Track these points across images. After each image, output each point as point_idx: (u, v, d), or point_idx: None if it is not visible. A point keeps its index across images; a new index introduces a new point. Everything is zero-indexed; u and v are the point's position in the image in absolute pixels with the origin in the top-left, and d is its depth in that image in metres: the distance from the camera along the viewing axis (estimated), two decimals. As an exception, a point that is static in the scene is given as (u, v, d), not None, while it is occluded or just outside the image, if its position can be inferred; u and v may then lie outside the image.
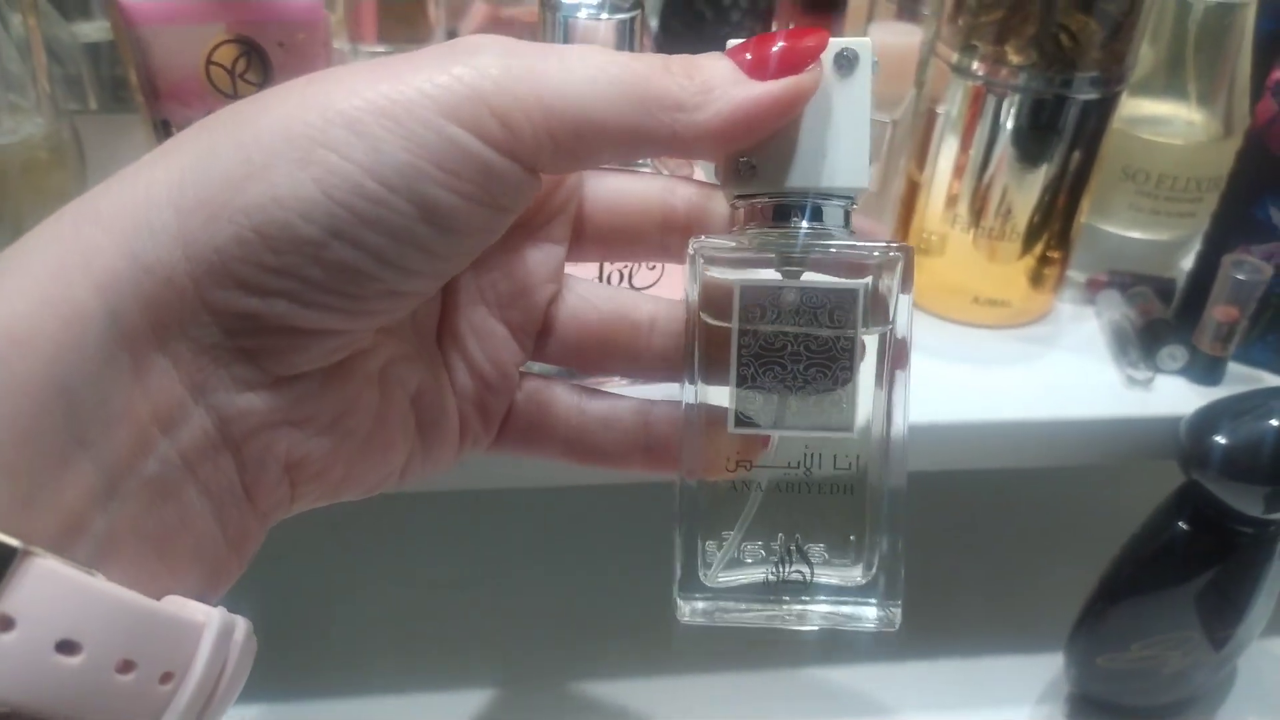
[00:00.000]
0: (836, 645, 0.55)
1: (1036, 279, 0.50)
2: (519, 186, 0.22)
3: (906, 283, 0.24)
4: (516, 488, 0.43)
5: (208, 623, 0.21)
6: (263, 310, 0.21)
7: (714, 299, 0.25)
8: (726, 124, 0.22)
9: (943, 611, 0.58)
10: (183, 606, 0.21)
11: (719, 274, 0.24)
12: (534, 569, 0.60)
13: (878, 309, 0.25)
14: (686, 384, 0.25)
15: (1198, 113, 0.52)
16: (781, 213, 0.24)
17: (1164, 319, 0.50)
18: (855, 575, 0.25)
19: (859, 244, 0.24)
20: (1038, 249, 0.49)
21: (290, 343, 0.21)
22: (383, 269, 0.21)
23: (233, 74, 0.34)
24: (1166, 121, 0.52)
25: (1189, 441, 0.44)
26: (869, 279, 0.24)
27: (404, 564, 0.60)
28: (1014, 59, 0.45)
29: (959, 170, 0.48)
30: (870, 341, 0.25)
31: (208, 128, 0.21)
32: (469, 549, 0.61)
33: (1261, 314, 0.48)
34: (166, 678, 0.20)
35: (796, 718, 0.52)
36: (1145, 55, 0.51)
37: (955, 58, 0.46)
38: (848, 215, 0.25)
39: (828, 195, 0.24)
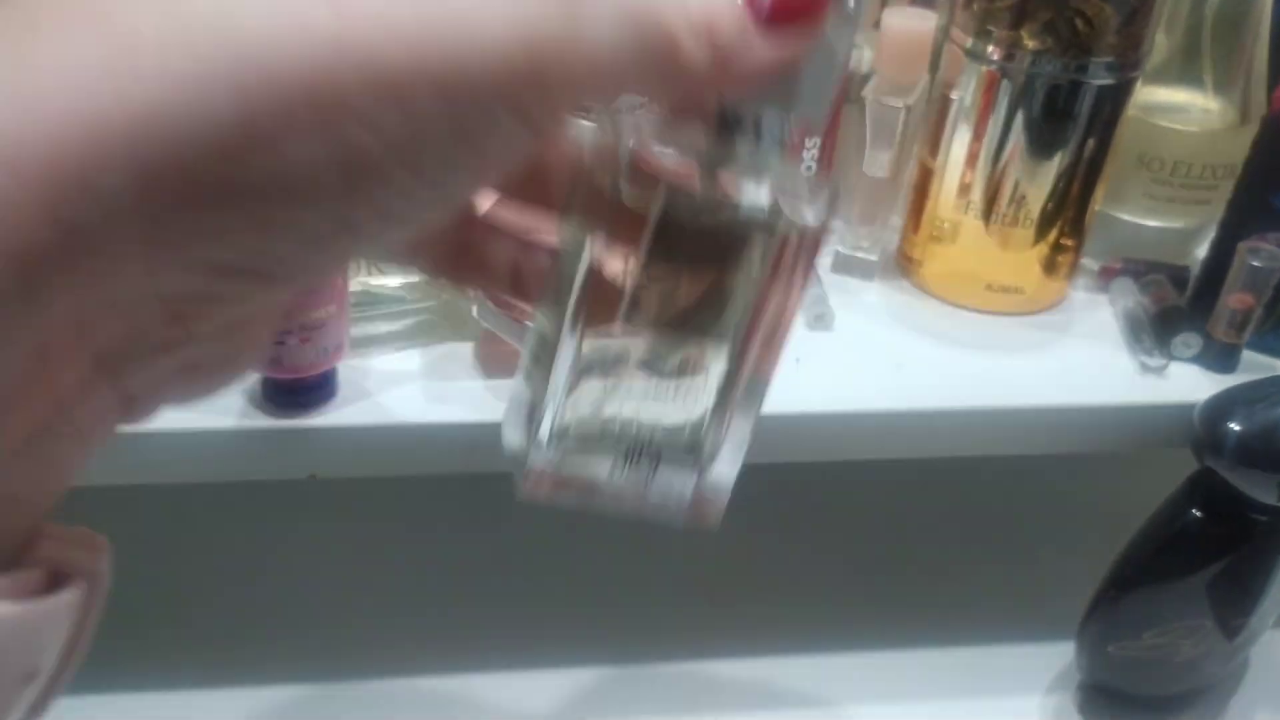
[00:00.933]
0: (848, 631, 0.55)
1: (1050, 266, 0.50)
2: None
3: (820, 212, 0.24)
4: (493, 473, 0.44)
5: (65, 607, 0.19)
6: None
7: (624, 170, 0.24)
8: (743, 78, 0.22)
9: (953, 599, 0.58)
10: (39, 601, 0.19)
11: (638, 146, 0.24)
12: (512, 556, 0.60)
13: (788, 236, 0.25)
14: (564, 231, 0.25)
15: (1214, 100, 0.51)
16: (729, 121, 0.24)
17: (1178, 306, 0.50)
18: (694, 460, 0.26)
19: (788, 167, 0.25)
20: (1051, 236, 0.49)
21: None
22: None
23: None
24: (1182, 109, 0.51)
25: (1202, 428, 0.44)
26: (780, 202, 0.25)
27: (387, 550, 0.60)
28: (1029, 44, 0.45)
29: (972, 157, 0.48)
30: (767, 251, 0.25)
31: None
32: (453, 535, 0.61)
33: (1277, 301, 0.48)
34: (29, 678, 0.18)
35: (808, 704, 0.52)
36: (1160, 42, 0.50)
37: (970, 43, 0.46)
38: (785, 135, 0.25)
39: (776, 115, 0.24)
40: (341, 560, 0.59)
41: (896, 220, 0.53)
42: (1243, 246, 0.46)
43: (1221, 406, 0.44)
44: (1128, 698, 0.52)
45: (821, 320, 0.49)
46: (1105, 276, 0.53)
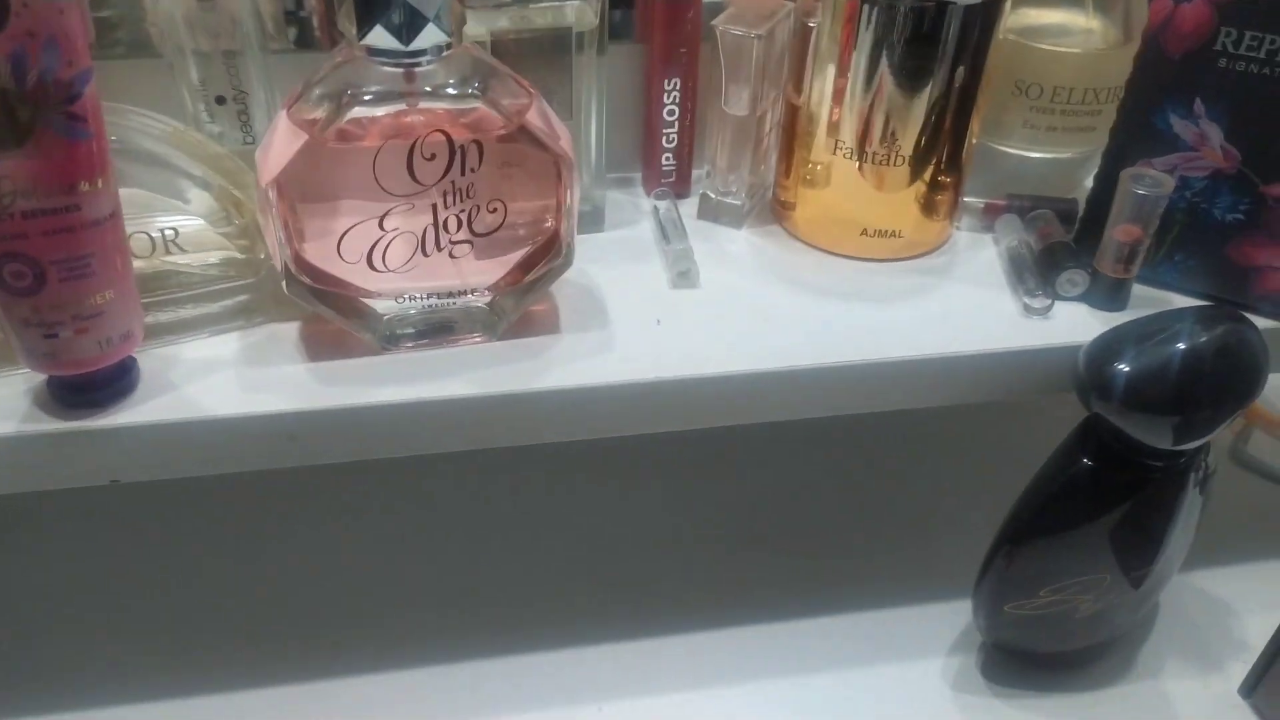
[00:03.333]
0: (737, 604, 0.52)
1: (928, 207, 0.47)
2: None
3: None
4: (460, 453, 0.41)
5: None
6: None
7: None
8: None
9: (846, 563, 0.56)
10: None
11: None
12: (476, 538, 0.57)
13: None
14: None
15: (1095, 19, 0.48)
16: None
17: (1064, 242, 0.47)
18: None
19: None
20: (928, 174, 0.46)
21: None
22: None
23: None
24: (1062, 30, 0.48)
25: (1088, 372, 0.40)
26: None
27: (353, 535, 0.56)
28: (888, -38, 0.41)
29: (838, 91, 0.44)
30: None
31: None
32: (422, 519, 0.58)
33: (1167, 231, 0.45)
34: None
35: (702, 683, 0.49)
36: (1037, -41, 0.47)
37: (825, -36, 0.42)
38: None
39: None
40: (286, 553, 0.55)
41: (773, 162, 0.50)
42: (1125, 174, 0.43)
43: (1108, 347, 0.41)
44: (1032, 655, 0.50)
45: (686, 277, 0.45)
46: (990, 214, 0.50)
